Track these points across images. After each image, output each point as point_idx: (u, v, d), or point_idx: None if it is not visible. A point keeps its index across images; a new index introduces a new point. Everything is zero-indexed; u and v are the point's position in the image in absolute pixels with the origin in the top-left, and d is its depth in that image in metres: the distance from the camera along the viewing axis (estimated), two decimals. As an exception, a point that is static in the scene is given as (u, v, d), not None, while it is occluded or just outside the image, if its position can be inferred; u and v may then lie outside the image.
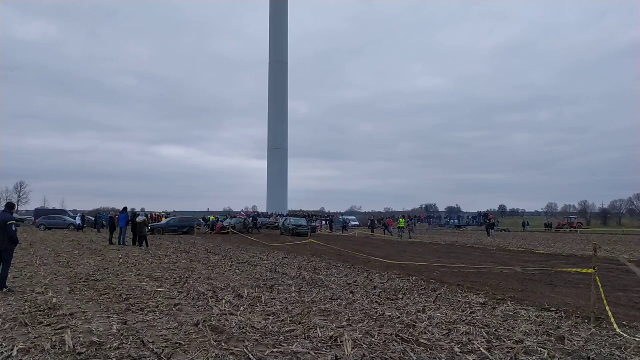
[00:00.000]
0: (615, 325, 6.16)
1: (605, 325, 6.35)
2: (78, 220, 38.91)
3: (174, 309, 7.14)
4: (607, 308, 6.53)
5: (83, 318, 6.53)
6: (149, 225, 25.92)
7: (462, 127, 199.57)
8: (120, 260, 14.34)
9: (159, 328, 5.98)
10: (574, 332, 6.04)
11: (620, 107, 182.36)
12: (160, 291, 8.75)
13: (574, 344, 5.44)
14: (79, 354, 4.82)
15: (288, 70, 72.75)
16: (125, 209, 23.81)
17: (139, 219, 20.81)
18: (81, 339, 5.36)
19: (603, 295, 6.75)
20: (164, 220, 39.82)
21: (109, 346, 5.13)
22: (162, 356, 4.77)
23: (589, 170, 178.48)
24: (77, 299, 7.96)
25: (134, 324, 6.17)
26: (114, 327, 5.99)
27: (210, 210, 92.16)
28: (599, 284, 6.75)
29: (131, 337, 5.49)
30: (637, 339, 5.63)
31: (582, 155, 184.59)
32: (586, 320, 6.67)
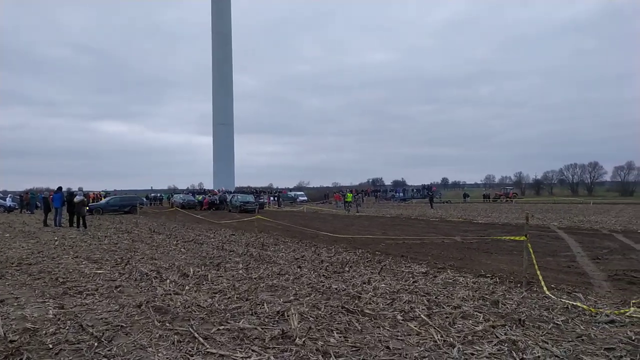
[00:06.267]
0: (544, 288, 6.61)
1: (535, 289, 6.80)
2: (8, 202, 36.54)
3: (114, 291, 6.90)
4: (538, 272, 6.98)
5: (15, 304, 6.17)
6: (88, 205, 24.73)
7: (409, 101, 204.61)
8: (56, 243, 13.63)
9: (99, 311, 5.76)
10: (507, 296, 6.42)
11: (556, 81, 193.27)
12: (100, 273, 8.42)
13: (507, 307, 5.79)
14: (11, 341, 4.55)
15: (233, 41, 70.71)
16: (60, 188, 22.54)
17: (77, 198, 19.78)
18: (13, 326, 5.07)
19: (534, 261, 7.20)
20: (103, 200, 38.19)
21: (44, 332, 4.89)
22: (102, 339, 4.60)
23: (524, 142, 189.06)
24: (8, 285, 7.50)
25: (71, 308, 5.91)
26: (50, 312, 5.71)
27: (153, 188, 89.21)
28: (531, 250, 7.19)
29: (69, 322, 5.26)
30: (563, 300, 6.06)
31: (519, 128, 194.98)
32: (518, 285, 7.11)
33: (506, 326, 4.96)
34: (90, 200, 36.98)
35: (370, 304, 5.99)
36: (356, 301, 6.11)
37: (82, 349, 4.36)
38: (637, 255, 10.57)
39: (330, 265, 9.19)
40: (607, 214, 27.14)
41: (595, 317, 5.31)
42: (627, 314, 5.39)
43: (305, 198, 65.16)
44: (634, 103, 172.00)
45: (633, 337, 4.56)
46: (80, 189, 22.73)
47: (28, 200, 35.85)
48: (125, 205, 33.97)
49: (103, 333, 4.80)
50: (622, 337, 4.59)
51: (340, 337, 4.67)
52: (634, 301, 6.02)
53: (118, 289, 7.04)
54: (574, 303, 5.90)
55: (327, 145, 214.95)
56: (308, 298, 6.33)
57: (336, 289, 6.90)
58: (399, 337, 4.66)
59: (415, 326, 5.00)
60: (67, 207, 20.73)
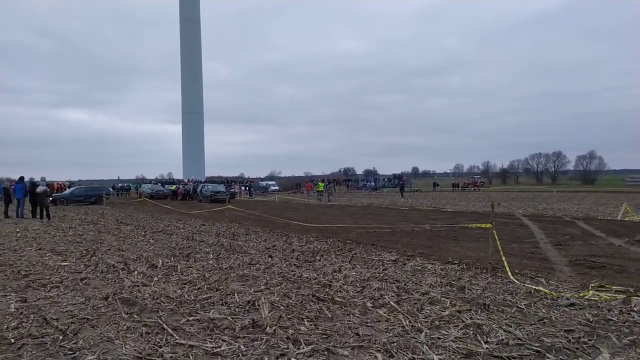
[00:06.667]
0: (509, 274, 6.82)
1: (500, 274, 7.01)
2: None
3: (80, 284, 6.73)
4: (503, 258, 7.19)
5: (-26, 299, 5.95)
6: (51, 195, 23.93)
7: (382, 91, 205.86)
8: (18, 234, 13.17)
9: (64, 304, 5.61)
10: (473, 281, 6.60)
11: (524, 73, 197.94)
12: (65, 265, 8.20)
13: (473, 293, 5.95)
14: (-30, 337, 4.39)
15: (202, 29, 69.35)
16: (21, 178, 21.74)
17: (40, 188, 19.13)
18: (-29, 322, 4.89)
19: (500, 247, 7.41)
20: (67, 190, 37.04)
21: (5, 326, 4.73)
22: (68, 332, 4.49)
23: (492, 132, 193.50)
24: (-34, 279, 7.21)
25: (35, 301, 5.73)
26: (12, 305, 5.53)
27: (120, 178, 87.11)
28: (496, 237, 7.39)
29: (32, 315, 5.10)
30: (526, 285, 6.27)
31: (487, 118, 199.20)
32: (484, 270, 7.31)
33: (472, 311, 5.10)
34: (54, 191, 35.81)
35: (340, 292, 6.04)
36: (327, 289, 6.15)
37: (46, 343, 4.25)
38: (597, 241, 11.02)
39: (301, 254, 9.21)
40: (569, 202, 28.15)
41: (556, 300, 5.51)
42: (586, 297, 5.63)
43: (277, 188, 64.92)
44: (597, 94, 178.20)
45: (591, 319, 4.76)
46: (42, 179, 22.04)
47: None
48: (91, 195, 33.03)
49: (68, 326, 4.68)
50: (580, 319, 4.78)
51: (310, 325, 4.70)
52: (592, 285, 6.28)
53: (84, 282, 6.87)
54: (537, 287, 6.11)
55: (299, 135, 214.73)
56: (279, 287, 6.33)
57: (307, 277, 6.93)
58: (368, 324, 4.72)
59: (385, 313, 5.08)
60: (29, 197, 20.04)
